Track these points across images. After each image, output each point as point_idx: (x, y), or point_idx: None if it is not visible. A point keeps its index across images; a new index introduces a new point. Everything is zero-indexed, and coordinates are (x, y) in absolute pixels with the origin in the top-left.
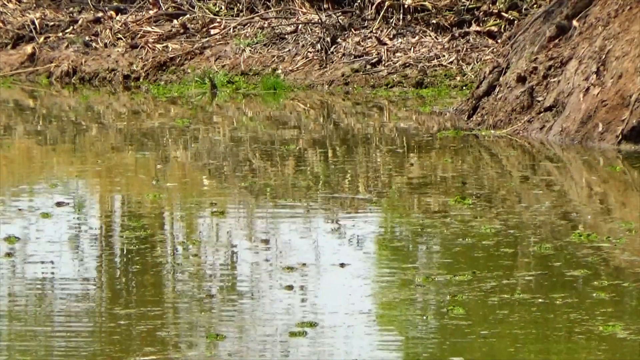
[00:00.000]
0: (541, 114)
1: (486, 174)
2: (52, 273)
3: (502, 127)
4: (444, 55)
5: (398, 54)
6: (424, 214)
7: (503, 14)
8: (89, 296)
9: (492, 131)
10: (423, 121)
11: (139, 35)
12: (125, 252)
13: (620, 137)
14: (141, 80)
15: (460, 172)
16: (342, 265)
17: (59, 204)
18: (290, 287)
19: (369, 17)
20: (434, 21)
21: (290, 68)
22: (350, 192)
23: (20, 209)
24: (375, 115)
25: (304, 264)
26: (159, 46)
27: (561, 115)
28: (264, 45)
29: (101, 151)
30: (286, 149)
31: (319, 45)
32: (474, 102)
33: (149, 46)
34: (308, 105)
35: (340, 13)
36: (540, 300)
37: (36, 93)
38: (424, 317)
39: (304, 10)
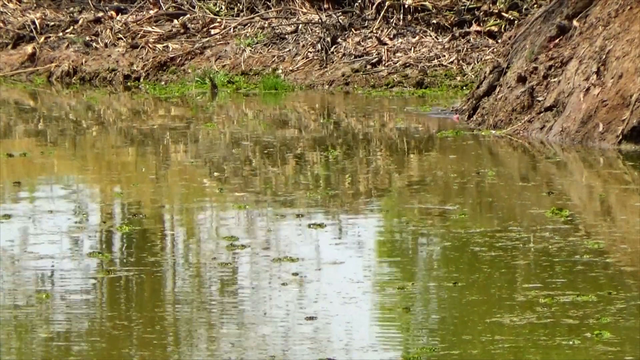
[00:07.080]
0: (541, 114)
1: (563, 184)
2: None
3: (502, 127)
4: (444, 55)
5: (398, 54)
6: (521, 227)
7: (503, 14)
8: (175, 315)
9: (493, 131)
10: (423, 122)
11: (139, 35)
12: (228, 268)
13: (620, 137)
14: (141, 80)
15: (542, 181)
16: (455, 284)
17: (134, 215)
18: (407, 309)
19: (369, 17)
20: (435, 21)
21: (290, 68)
22: (435, 203)
23: (104, 222)
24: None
25: (413, 283)
26: (159, 46)
27: (561, 115)
28: (264, 45)
29: (142, 160)
30: (331, 155)
31: (319, 45)
32: (474, 102)
33: (149, 46)
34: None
35: (340, 13)
36: None
37: (42, 93)
38: (571, 342)
39: (304, 10)
